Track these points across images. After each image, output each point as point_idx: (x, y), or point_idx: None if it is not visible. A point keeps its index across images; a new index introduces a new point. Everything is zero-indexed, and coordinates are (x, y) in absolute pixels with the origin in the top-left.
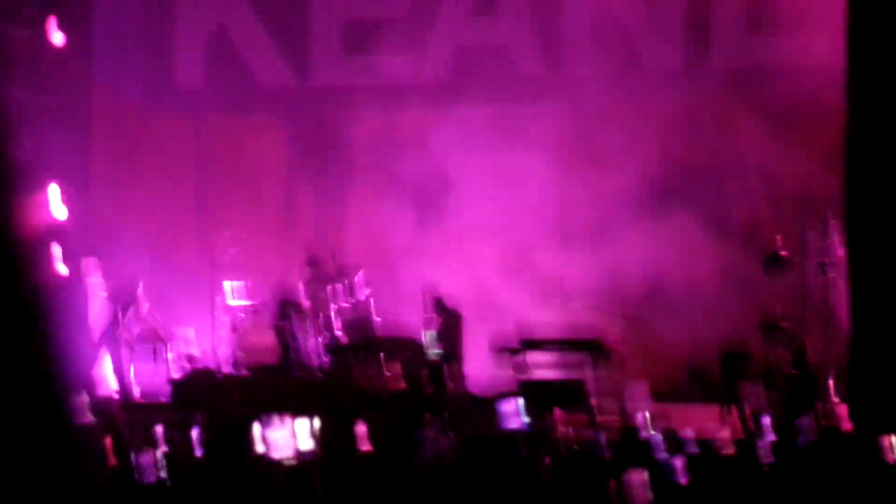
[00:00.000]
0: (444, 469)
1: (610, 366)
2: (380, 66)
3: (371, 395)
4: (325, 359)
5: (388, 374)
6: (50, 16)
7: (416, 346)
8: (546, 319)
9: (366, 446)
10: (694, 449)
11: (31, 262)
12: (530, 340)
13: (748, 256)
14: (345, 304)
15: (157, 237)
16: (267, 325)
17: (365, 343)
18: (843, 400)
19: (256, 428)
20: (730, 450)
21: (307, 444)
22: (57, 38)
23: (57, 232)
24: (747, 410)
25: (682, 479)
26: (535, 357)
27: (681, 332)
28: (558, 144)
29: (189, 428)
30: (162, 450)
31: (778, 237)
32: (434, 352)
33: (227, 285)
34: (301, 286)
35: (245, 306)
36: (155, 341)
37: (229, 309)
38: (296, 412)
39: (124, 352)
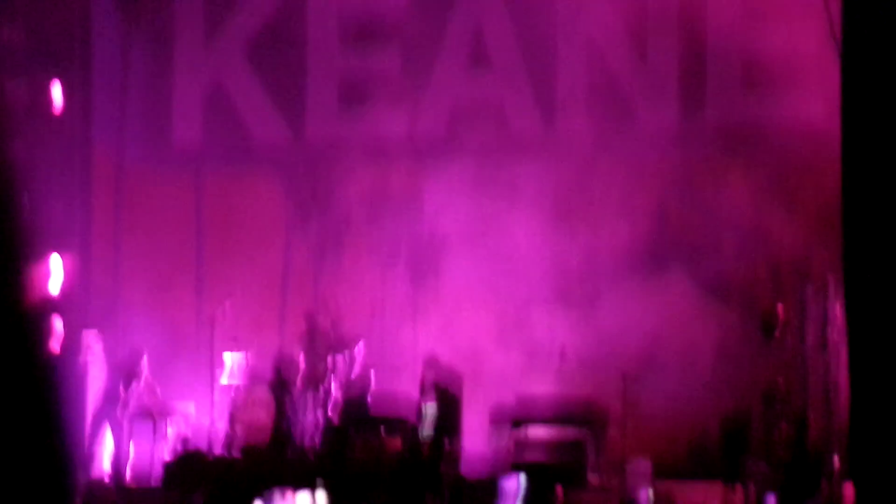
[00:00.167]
0: None
1: (609, 438)
2: (375, 121)
3: (370, 473)
4: (321, 435)
5: (387, 450)
6: (49, 74)
7: (413, 423)
8: (542, 387)
9: None
10: None
11: (33, 337)
12: (527, 416)
13: (746, 320)
14: (344, 378)
15: (156, 305)
16: (262, 401)
17: (363, 419)
18: (847, 477)
19: None
20: None
21: None
22: (56, 96)
23: (57, 304)
24: (751, 490)
25: None
26: (533, 431)
27: (679, 401)
28: (552, 202)
29: None
30: None
31: (777, 300)
32: (429, 434)
33: (228, 357)
34: (299, 356)
35: (240, 384)
36: (155, 417)
37: (224, 387)
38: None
39: (124, 429)
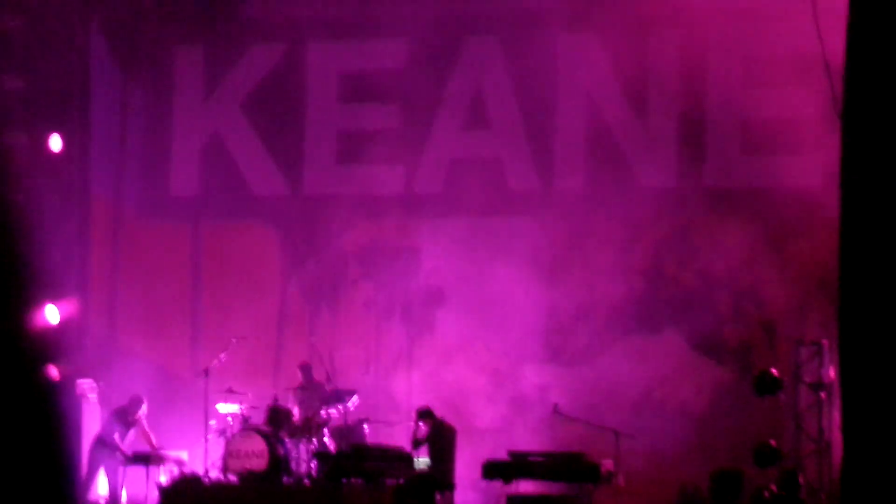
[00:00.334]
0: None
1: (600, 494)
2: (372, 176)
3: None
4: (314, 465)
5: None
6: (49, 124)
7: (407, 465)
8: (534, 442)
9: None
10: None
11: (37, 370)
12: (522, 466)
13: (740, 377)
14: (336, 425)
15: (152, 353)
16: (256, 430)
17: (354, 453)
18: None
19: None
20: None
21: None
22: (55, 145)
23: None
24: None
25: None
26: (524, 486)
27: (671, 458)
28: (547, 258)
29: None
30: None
31: (770, 361)
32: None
33: (222, 409)
34: (294, 407)
35: (234, 413)
36: (149, 464)
37: (219, 415)
38: None
39: (118, 474)
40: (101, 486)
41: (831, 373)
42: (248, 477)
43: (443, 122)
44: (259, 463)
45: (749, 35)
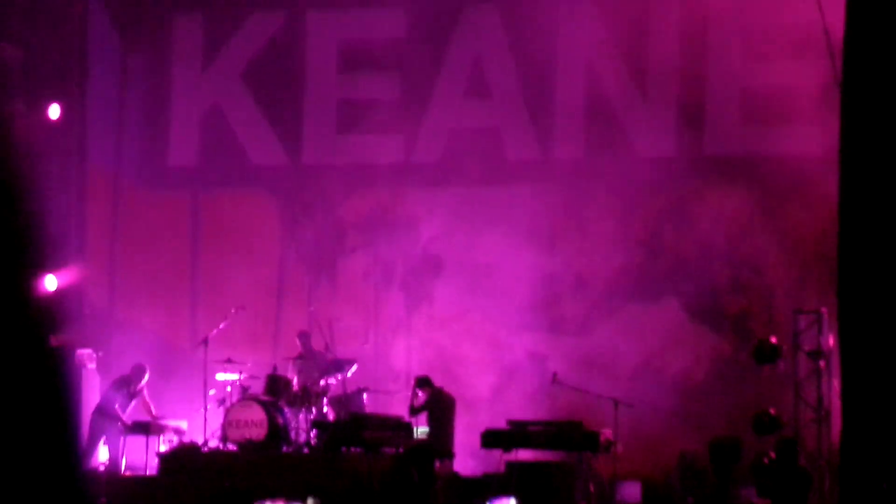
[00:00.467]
0: None
1: (599, 462)
2: (371, 146)
3: (362, 484)
4: (313, 434)
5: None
6: (47, 93)
7: (406, 434)
8: (533, 410)
9: None
10: None
11: (39, 338)
12: (521, 435)
13: (739, 346)
14: (335, 394)
15: (151, 324)
16: (255, 399)
17: (353, 422)
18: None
19: None
20: None
21: None
22: (54, 114)
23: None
24: None
25: None
26: (524, 454)
27: (670, 426)
28: (546, 228)
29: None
30: None
31: (769, 330)
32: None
33: (221, 378)
34: (290, 363)
35: (233, 382)
36: (148, 432)
37: (218, 384)
38: (288, 495)
39: (119, 437)
40: (102, 454)
41: (830, 341)
42: (247, 446)
43: (442, 92)
44: (258, 432)
45: (749, 4)
